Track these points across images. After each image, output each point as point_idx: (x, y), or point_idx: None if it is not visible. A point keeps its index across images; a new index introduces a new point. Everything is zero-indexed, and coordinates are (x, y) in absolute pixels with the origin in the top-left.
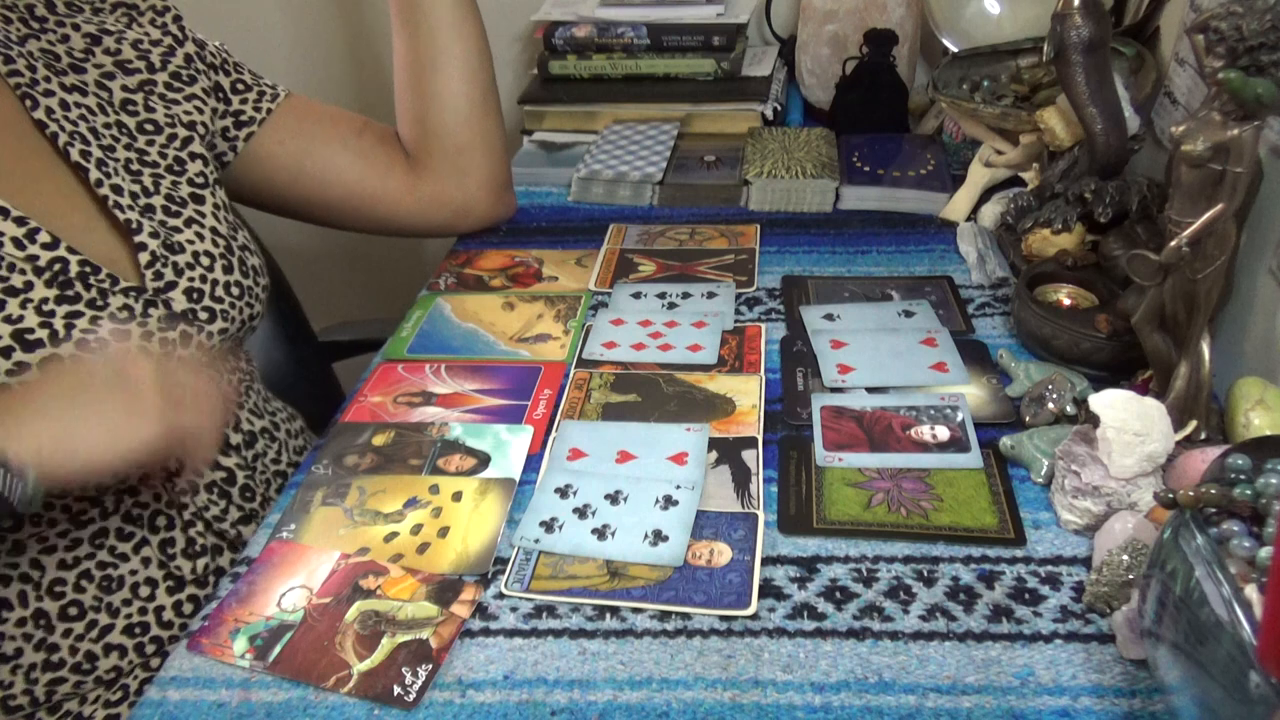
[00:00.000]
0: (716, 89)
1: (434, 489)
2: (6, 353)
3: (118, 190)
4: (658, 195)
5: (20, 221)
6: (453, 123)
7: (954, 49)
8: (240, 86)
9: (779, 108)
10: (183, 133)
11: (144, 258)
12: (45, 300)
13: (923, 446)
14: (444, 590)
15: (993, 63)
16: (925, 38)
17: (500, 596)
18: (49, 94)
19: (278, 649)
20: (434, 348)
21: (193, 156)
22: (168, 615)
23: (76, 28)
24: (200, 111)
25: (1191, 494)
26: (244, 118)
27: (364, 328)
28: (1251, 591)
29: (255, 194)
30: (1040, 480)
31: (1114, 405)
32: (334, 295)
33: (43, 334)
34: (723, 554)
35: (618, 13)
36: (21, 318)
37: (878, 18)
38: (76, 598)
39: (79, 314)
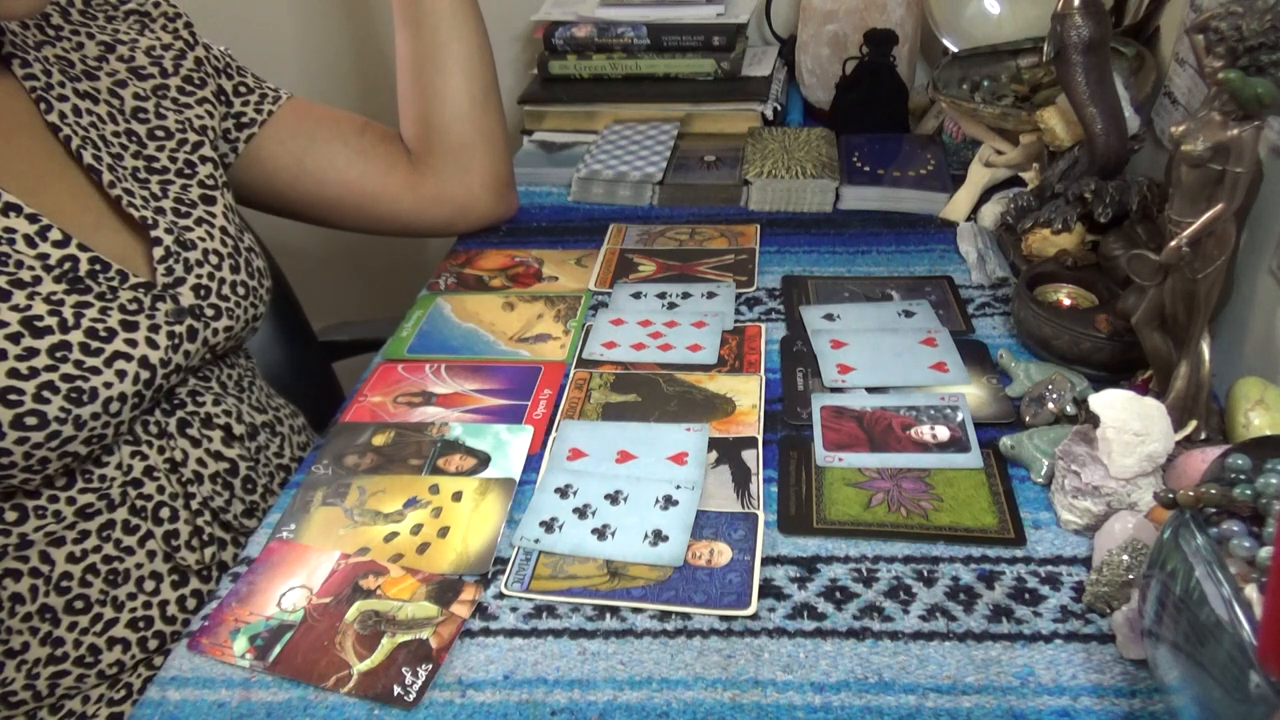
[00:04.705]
0: (716, 89)
1: (434, 489)
2: (15, 338)
3: (129, 192)
4: (658, 195)
5: (33, 219)
6: (454, 120)
7: (954, 49)
8: (243, 89)
9: (779, 108)
10: (194, 137)
11: (158, 252)
12: (54, 293)
13: (923, 446)
14: (444, 590)
15: (993, 63)
16: (925, 38)
17: (500, 596)
18: (63, 99)
19: (278, 649)
20: (434, 348)
21: (203, 160)
22: (171, 610)
23: (91, 35)
24: (210, 116)
25: (1191, 494)
26: (245, 119)
27: (364, 328)
28: (1251, 591)
29: (257, 195)
30: (1040, 480)
31: (1114, 405)
32: (334, 295)
33: (51, 321)
34: (723, 554)
35: (618, 13)
36: (30, 307)
37: (878, 18)
38: (83, 592)
39: (88, 304)
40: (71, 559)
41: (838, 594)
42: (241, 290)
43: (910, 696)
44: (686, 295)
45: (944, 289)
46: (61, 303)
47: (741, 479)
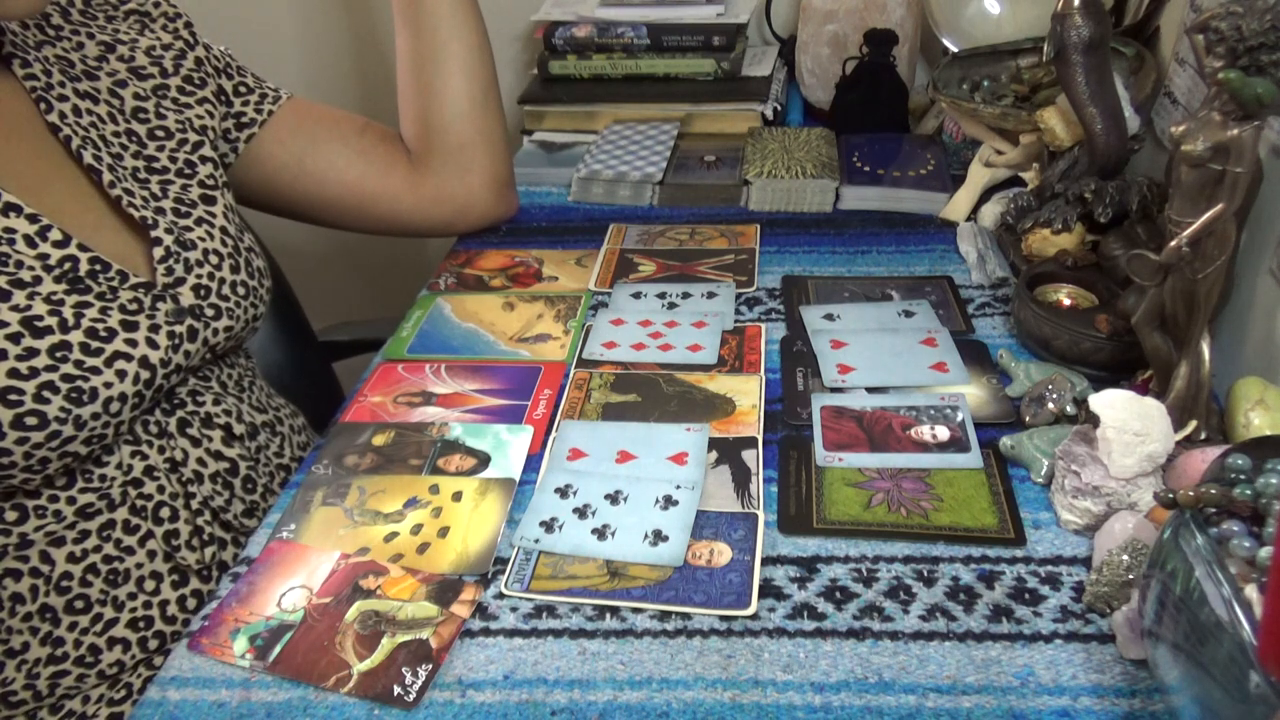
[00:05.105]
0: (716, 89)
1: (434, 489)
2: (15, 338)
3: (129, 192)
4: (658, 195)
5: (33, 219)
6: (454, 119)
7: (954, 49)
8: (243, 89)
9: (779, 108)
10: (194, 137)
11: (158, 252)
12: (54, 293)
13: (923, 446)
14: (444, 590)
15: (993, 63)
16: (925, 38)
17: (500, 596)
18: (63, 99)
19: (278, 649)
20: (434, 348)
21: (203, 160)
22: (171, 610)
23: (91, 35)
24: (211, 116)
25: (1191, 494)
26: (245, 119)
27: (364, 328)
28: (1251, 591)
29: (257, 195)
30: (1040, 480)
31: (1114, 405)
32: (334, 295)
33: (52, 321)
34: (723, 554)
35: (618, 13)
36: (30, 307)
37: (878, 18)
38: (83, 591)
39: (88, 304)
40: (71, 559)
41: (838, 594)
42: (241, 290)
43: (910, 696)
44: (686, 295)
45: (944, 289)
46: (61, 303)
47: (741, 479)
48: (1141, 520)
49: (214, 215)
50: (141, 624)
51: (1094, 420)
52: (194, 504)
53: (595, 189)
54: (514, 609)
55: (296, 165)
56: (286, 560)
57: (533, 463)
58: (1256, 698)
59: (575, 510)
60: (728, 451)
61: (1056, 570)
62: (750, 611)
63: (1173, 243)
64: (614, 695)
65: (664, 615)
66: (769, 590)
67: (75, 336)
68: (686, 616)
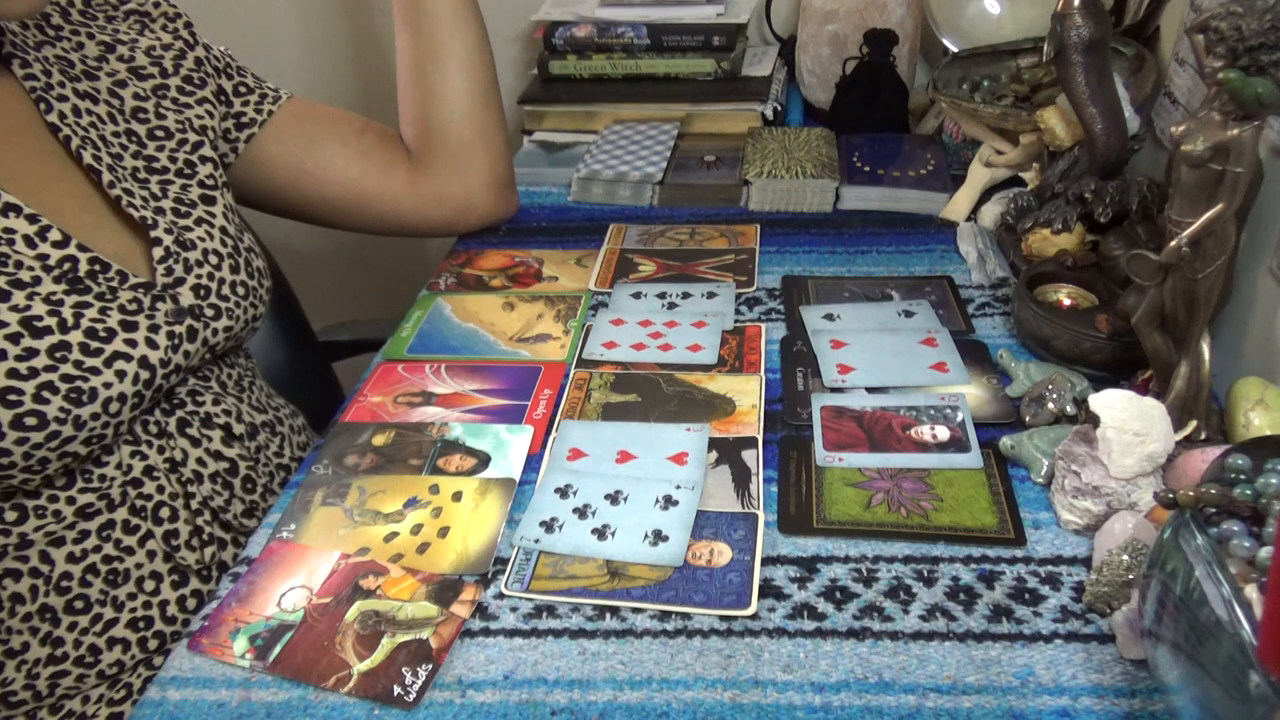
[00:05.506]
0: (716, 89)
1: (434, 489)
2: (15, 339)
3: (129, 192)
4: (658, 195)
5: (32, 219)
6: (453, 119)
7: (954, 49)
8: (243, 89)
9: (779, 108)
10: (193, 137)
11: (158, 252)
12: (54, 293)
13: (923, 446)
14: (444, 590)
15: (993, 63)
16: (925, 38)
17: (500, 596)
18: (63, 99)
19: (278, 649)
20: (434, 348)
21: (203, 160)
22: (171, 610)
23: (91, 35)
24: (210, 116)
25: (1191, 494)
26: (245, 119)
27: (364, 328)
28: (1251, 591)
29: (257, 195)
30: (1040, 480)
31: (1114, 405)
32: (334, 295)
33: (51, 321)
34: (723, 554)
35: (618, 13)
36: (29, 307)
37: (878, 18)
38: (83, 592)
39: (88, 305)
40: (71, 559)
41: (838, 594)
42: (241, 290)
43: (910, 696)
44: (686, 295)
45: (944, 289)
46: (61, 303)
47: (741, 479)
48: (1141, 520)
49: (214, 215)
50: (141, 624)
51: (1094, 420)
52: (194, 504)
53: (595, 189)
54: (514, 609)
55: (296, 165)
56: (286, 560)
57: (533, 463)
58: (1256, 698)
59: (575, 510)
60: (728, 451)
61: (1056, 570)
62: (750, 611)
63: (1173, 243)
64: (614, 695)
65: (664, 615)
66: (769, 590)
67: (75, 337)
68: (686, 616)
